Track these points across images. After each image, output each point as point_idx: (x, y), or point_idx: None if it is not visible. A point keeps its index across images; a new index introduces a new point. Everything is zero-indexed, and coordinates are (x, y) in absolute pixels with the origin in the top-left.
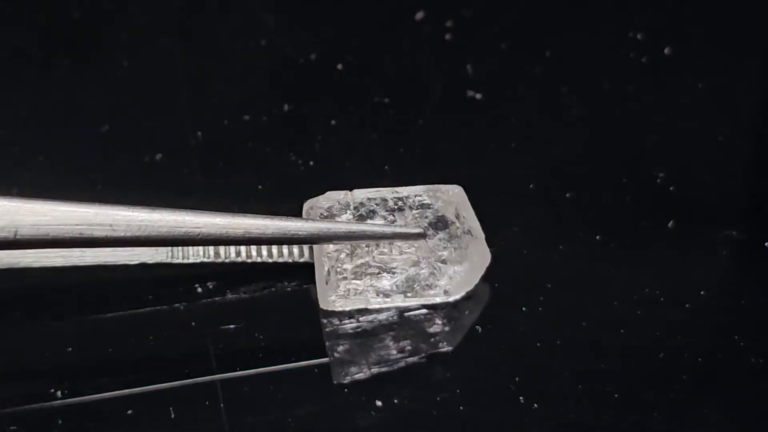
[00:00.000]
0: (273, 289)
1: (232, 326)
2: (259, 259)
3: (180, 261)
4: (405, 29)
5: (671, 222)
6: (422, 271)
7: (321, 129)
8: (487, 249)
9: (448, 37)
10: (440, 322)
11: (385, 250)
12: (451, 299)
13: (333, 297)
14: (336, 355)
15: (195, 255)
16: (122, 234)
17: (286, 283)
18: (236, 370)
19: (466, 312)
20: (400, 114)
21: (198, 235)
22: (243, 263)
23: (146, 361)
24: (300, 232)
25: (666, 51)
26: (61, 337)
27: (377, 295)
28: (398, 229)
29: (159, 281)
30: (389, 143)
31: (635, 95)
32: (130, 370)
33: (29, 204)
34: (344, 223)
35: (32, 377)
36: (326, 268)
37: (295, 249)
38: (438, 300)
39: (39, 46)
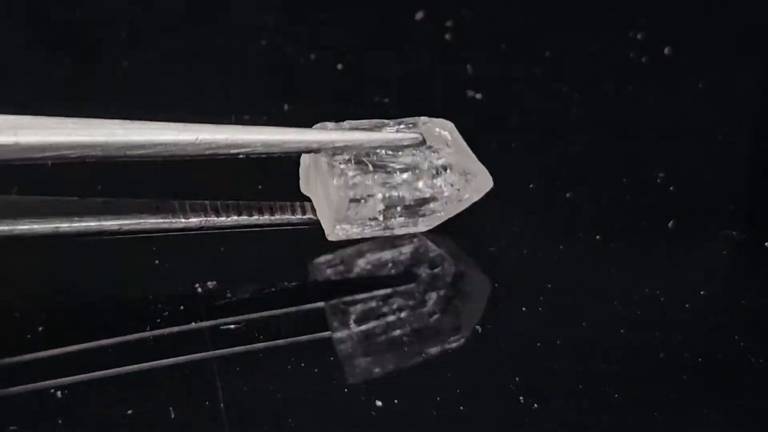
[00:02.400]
0: (273, 288)
1: (232, 326)
2: (259, 220)
3: (181, 223)
4: (405, 29)
5: (671, 222)
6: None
7: None
8: (487, 173)
9: (448, 37)
10: (438, 323)
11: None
12: (459, 207)
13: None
14: (330, 357)
15: (195, 216)
16: (120, 138)
17: (285, 283)
18: (236, 370)
19: (466, 312)
20: (400, 114)
21: (196, 140)
22: (243, 226)
23: (146, 361)
24: (301, 141)
25: (666, 51)
26: (60, 338)
27: (384, 199)
28: (398, 136)
29: (159, 281)
30: None
31: (635, 95)
32: (130, 371)
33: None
34: (345, 132)
35: (32, 377)
36: (330, 184)
37: (298, 209)
38: (439, 213)
39: (39, 46)
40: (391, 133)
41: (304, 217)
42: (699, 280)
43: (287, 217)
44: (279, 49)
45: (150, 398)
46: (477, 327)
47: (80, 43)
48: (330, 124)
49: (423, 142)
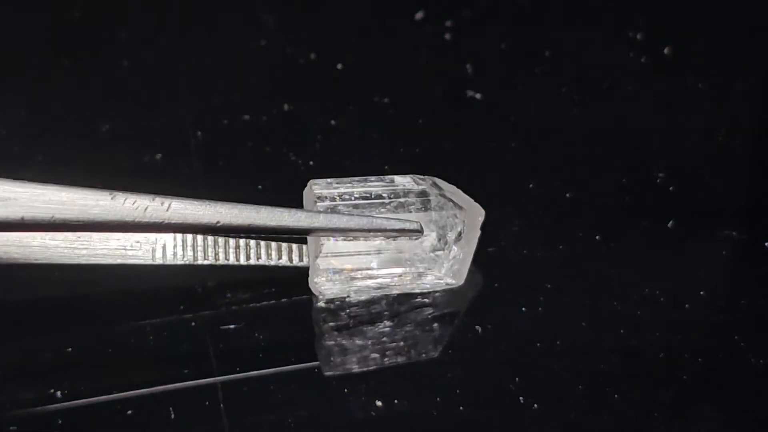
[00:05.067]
0: (273, 288)
1: (232, 326)
2: (258, 263)
3: (170, 263)
4: (405, 29)
5: (671, 222)
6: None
7: (321, 129)
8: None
9: (448, 37)
10: (438, 323)
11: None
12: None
13: (320, 279)
14: (331, 356)
15: (186, 257)
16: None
17: (285, 283)
18: (236, 371)
19: (466, 312)
20: (400, 114)
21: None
22: (240, 266)
23: (146, 361)
24: (297, 224)
25: (666, 51)
26: (60, 339)
27: (367, 278)
28: (396, 224)
29: (159, 281)
30: (389, 143)
31: (635, 95)
32: (130, 370)
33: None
34: (342, 216)
35: (32, 377)
36: (316, 252)
37: (295, 254)
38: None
39: (39, 46)
40: (391, 220)
41: (300, 265)
42: (699, 280)
43: (285, 264)
44: (279, 49)
45: (150, 398)
46: (477, 327)
47: (80, 43)
48: (322, 185)
49: (421, 231)
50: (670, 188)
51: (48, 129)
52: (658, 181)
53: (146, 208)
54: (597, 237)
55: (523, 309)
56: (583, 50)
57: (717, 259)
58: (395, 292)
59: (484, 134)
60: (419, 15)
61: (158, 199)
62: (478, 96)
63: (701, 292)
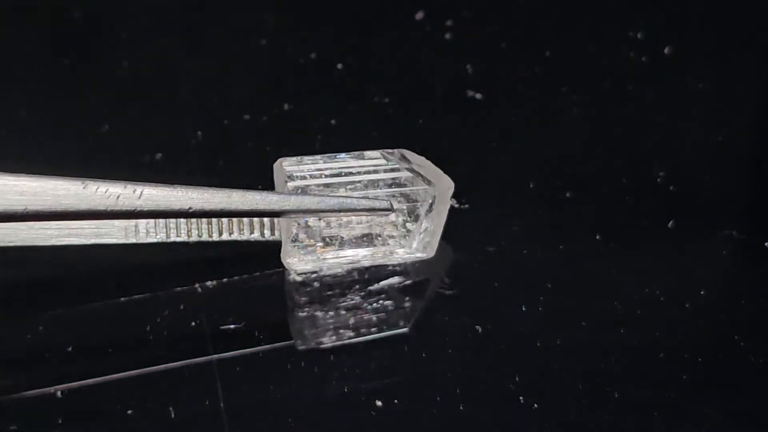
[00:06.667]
0: (273, 288)
1: (232, 326)
2: (228, 238)
3: (144, 241)
4: (405, 29)
5: (671, 222)
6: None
7: (321, 129)
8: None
9: (448, 37)
10: (439, 311)
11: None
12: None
13: (293, 260)
14: (338, 352)
15: (159, 234)
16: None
17: (285, 283)
18: (236, 371)
19: (466, 312)
20: (400, 114)
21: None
22: (211, 242)
23: (146, 361)
24: (269, 206)
25: (666, 51)
26: (60, 338)
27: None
28: (366, 204)
29: (158, 281)
30: (389, 143)
31: (635, 95)
32: (130, 371)
33: None
34: (313, 197)
35: (32, 377)
36: (288, 232)
37: (266, 229)
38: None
39: (39, 45)
40: (361, 200)
41: (271, 239)
42: (699, 280)
43: (256, 239)
44: (279, 49)
45: (150, 398)
46: (477, 327)
47: (80, 43)
48: (292, 162)
49: (392, 210)
50: (670, 188)
51: (48, 129)
52: (658, 181)
53: (118, 196)
54: (597, 237)
55: (524, 309)
56: (583, 50)
57: (717, 259)
58: (367, 264)
59: (484, 134)
60: (419, 15)
61: (130, 187)
62: (478, 96)
63: (701, 292)
